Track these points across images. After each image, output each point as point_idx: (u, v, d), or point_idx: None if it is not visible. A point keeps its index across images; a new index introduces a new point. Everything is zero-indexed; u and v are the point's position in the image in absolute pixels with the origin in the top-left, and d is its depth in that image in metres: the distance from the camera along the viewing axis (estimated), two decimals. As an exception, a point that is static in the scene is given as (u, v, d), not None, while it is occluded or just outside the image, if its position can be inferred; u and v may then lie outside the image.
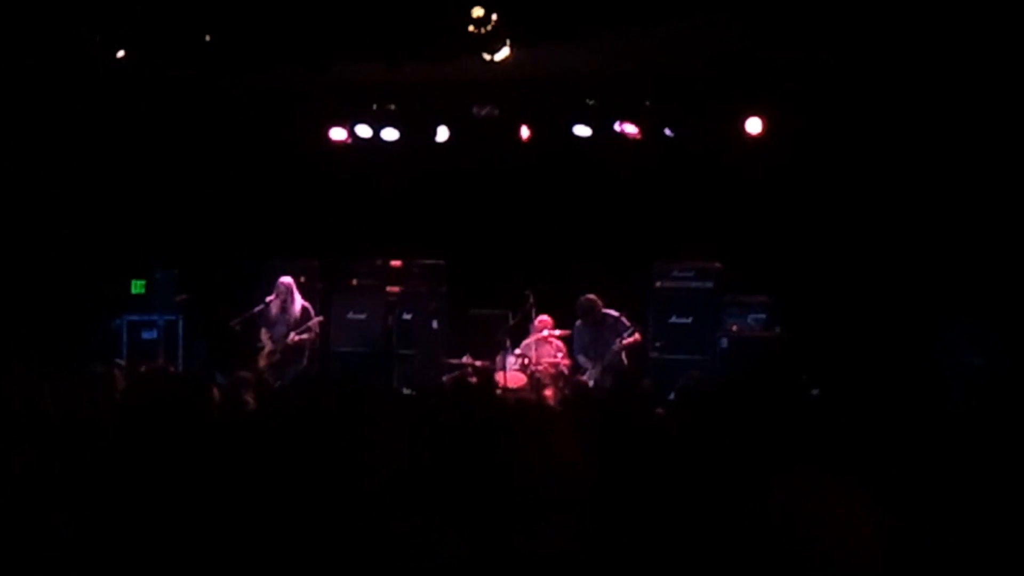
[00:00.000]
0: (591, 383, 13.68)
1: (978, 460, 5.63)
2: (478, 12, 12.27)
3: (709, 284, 14.62)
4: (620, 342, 14.10)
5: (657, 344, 14.40)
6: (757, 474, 4.89)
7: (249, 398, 8.49)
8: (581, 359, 14.31)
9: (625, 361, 14.15)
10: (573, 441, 5.31)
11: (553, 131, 15.35)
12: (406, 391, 13.66)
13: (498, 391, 12.55)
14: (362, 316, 15.80)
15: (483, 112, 15.41)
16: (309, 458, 5.21)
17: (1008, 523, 4.68)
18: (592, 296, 14.22)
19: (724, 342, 14.26)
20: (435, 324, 15.60)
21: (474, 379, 13.16)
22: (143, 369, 11.37)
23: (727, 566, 4.28)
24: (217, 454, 5.39)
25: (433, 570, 4.26)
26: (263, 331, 14.89)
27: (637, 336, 14.19)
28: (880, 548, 4.27)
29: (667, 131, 14.94)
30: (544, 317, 14.52)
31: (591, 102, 15.11)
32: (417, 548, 4.32)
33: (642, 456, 5.58)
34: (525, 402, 9.48)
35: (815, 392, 10.52)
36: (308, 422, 6.16)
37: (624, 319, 14.18)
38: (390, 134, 15.89)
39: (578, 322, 14.34)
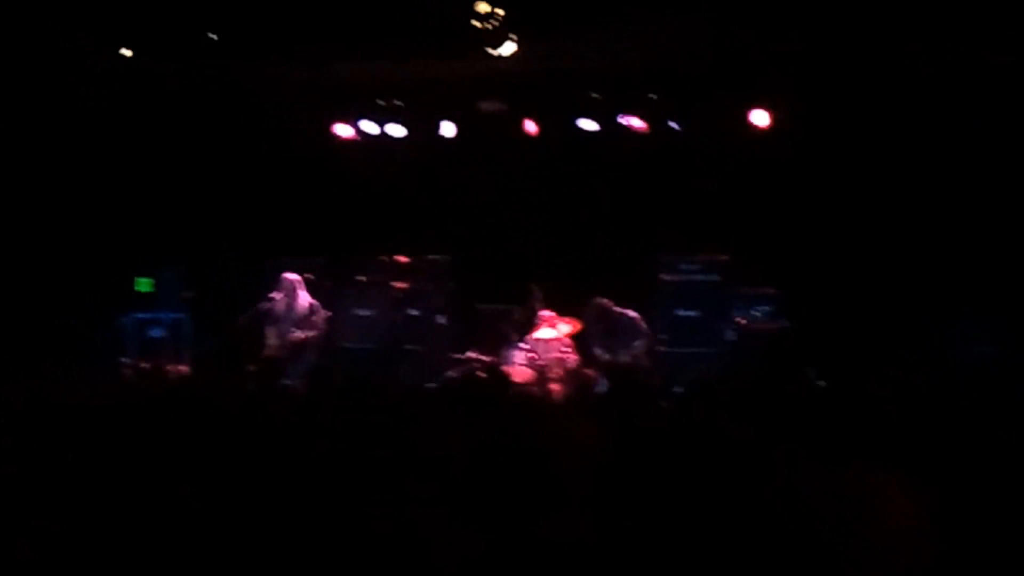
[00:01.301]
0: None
1: (988, 451, 5.62)
2: (483, 7, 12.29)
3: (715, 277, 14.60)
4: (633, 353, 13.85)
5: (662, 337, 14.36)
6: (764, 466, 4.88)
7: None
8: (597, 352, 14.16)
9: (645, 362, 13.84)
10: (581, 434, 5.30)
11: (558, 125, 15.35)
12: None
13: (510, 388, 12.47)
14: (368, 312, 15.80)
15: (489, 107, 15.41)
16: (321, 454, 5.22)
17: (1016, 513, 4.67)
18: (601, 302, 14.03)
19: (731, 335, 14.24)
20: (441, 320, 15.61)
21: (483, 374, 13.09)
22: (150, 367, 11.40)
23: (733, 556, 4.28)
24: (227, 449, 5.40)
25: (448, 563, 4.27)
26: (269, 328, 14.87)
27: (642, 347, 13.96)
28: (891, 539, 4.26)
29: (673, 124, 14.93)
30: (550, 312, 14.50)
31: (596, 96, 15.10)
32: (431, 541, 4.32)
33: (650, 449, 5.58)
34: (532, 396, 9.47)
35: (822, 384, 10.49)
36: (321, 416, 6.18)
37: (642, 323, 14.03)
38: (396, 130, 15.89)
39: (592, 328, 14.14)
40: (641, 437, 5.81)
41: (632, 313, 14.06)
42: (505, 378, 11.72)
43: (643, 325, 14.00)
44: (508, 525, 4.42)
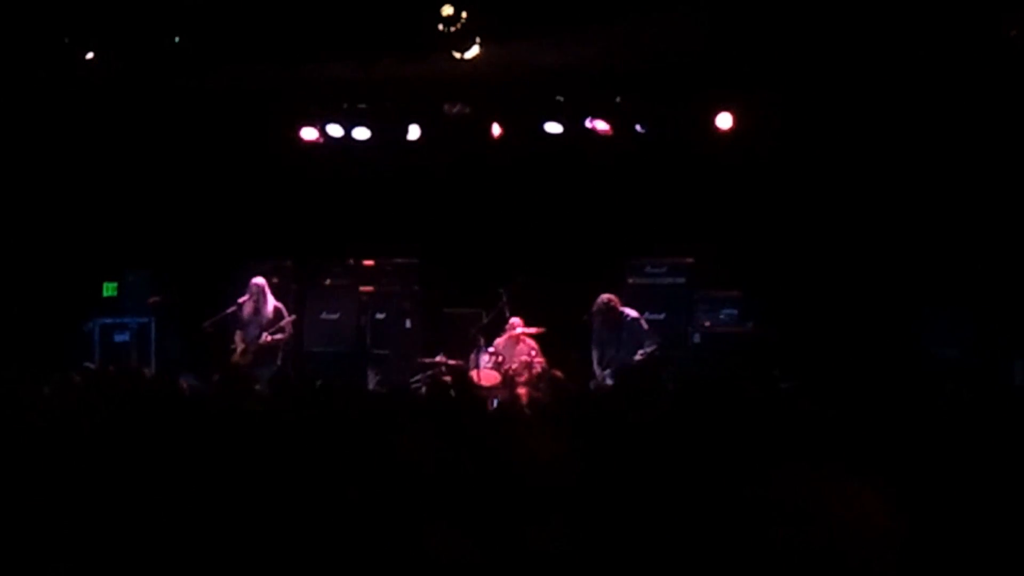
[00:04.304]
0: (606, 382, 13.56)
1: (952, 451, 5.67)
2: (448, 10, 12.29)
3: (681, 280, 14.68)
4: (641, 354, 13.76)
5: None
6: (730, 468, 4.91)
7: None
8: (594, 362, 14.12)
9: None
10: (554, 439, 5.32)
11: (524, 128, 15.36)
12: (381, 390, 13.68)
13: (475, 391, 12.46)
14: (335, 316, 15.79)
15: (454, 110, 15.40)
16: (299, 460, 5.23)
17: (983, 512, 4.71)
18: (608, 297, 13.96)
19: (696, 337, 14.31)
20: (408, 323, 15.61)
21: (447, 378, 13.08)
22: (114, 372, 11.35)
23: (704, 560, 4.30)
24: (204, 454, 5.40)
25: (428, 569, 4.28)
26: (236, 332, 14.84)
27: (655, 348, 13.94)
28: (854, 540, 4.29)
29: (638, 127, 14.97)
30: (516, 319, 14.50)
31: (562, 99, 15.12)
32: (412, 547, 4.33)
33: (620, 452, 5.60)
34: (506, 403, 9.50)
35: (787, 386, 10.56)
36: (291, 423, 6.19)
37: (643, 322, 14.04)
38: (361, 133, 15.87)
39: (597, 320, 14.07)
40: (613, 443, 5.84)
41: (633, 312, 14.06)
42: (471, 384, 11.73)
43: (645, 324, 14.01)
44: (487, 533, 4.44)
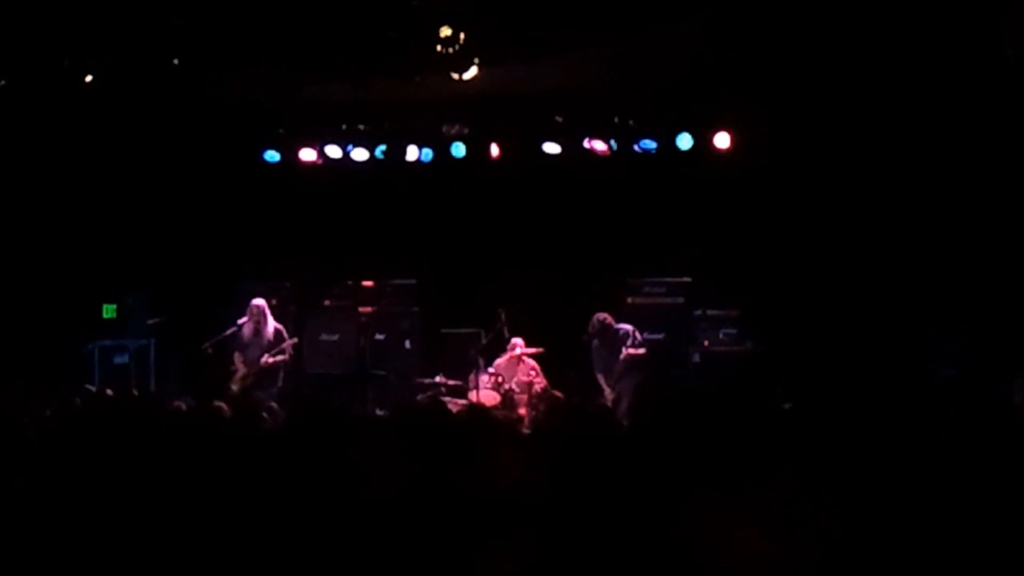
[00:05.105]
0: (610, 399, 13.63)
1: (951, 471, 5.66)
2: (446, 31, 12.31)
3: (680, 299, 14.69)
4: (625, 351, 13.97)
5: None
6: (728, 489, 4.90)
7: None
8: (599, 379, 14.24)
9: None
10: (541, 458, 5.32)
11: (523, 149, 15.38)
12: (379, 412, 13.68)
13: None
14: (335, 337, 15.80)
15: (453, 131, 15.43)
16: (287, 479, 5.22)
17: (981, 534, 4.71)
18: (602, 315, 14.11)
19: (696, 357, 14.31)
20: (408, 344, 15.61)
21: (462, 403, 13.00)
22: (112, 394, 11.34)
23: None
24: (198, 474, 5.40)
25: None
26: (236, 354, 14.82)
27: (642, 350, 14.07)
28: (854, 558, 4.29)
29: (636, 147, 14.99)
30: (517, 339, 14.52)
31: (560, 119, 15.15)
32: (388, 565, 4.34)
33: (611, 472, 5.60)
34: (487, 421, 9.43)
35: (787, 406, 10.55)
36: (287, 443, 6.18)
37: (636, 333, 14.11)
38: (360, 154, 15.88)
39: (595, 342, 14.24)
40: (598, 462, 5.83)
41: (627, 326, 14.13)
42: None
43: (639, 336, 14.06)
44: (462, 550, 4.44)
